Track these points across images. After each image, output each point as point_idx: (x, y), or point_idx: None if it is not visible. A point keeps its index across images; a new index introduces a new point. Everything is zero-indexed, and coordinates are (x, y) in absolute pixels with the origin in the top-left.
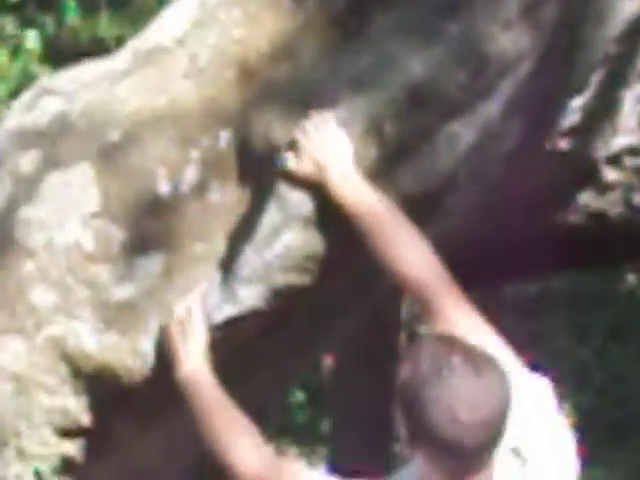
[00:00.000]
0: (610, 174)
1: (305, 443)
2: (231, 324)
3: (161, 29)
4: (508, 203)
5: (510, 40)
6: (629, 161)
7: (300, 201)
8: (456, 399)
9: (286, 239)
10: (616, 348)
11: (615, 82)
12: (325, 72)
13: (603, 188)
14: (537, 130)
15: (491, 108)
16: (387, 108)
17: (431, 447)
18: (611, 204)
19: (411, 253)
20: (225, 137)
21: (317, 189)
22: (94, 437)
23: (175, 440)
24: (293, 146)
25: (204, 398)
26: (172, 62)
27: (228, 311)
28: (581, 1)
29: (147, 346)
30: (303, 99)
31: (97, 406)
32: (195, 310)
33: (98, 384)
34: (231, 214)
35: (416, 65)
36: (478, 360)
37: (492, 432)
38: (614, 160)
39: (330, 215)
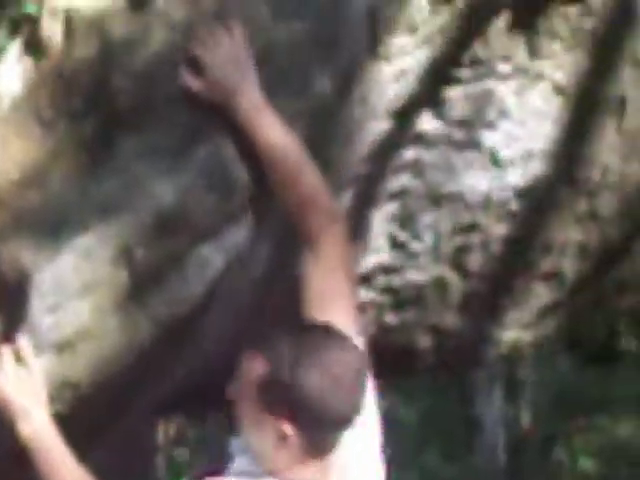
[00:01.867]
0: (361, 293)
1: None
2: None
3: None
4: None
5: None
6: (380, 280)
7: (52, 326)
8: (337, 365)
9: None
10: None
11: (364, 202)
12: (74, 198)
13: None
14: (286, 254)
15: (240, 233)
16: (136, 233)
17: (312, 424)
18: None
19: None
20: None
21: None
22: None
23: None
24: (194, 62)
25: (57, 463)
26: None
27: None
28: (327, 123)
29: None
30: (52, 226)
31: None
32: (24, 345)
33: None
34: None
35: (164, 189)
36: (338, 337)
37: (354, 403)
38: (365, 280)
39: (84, 340)
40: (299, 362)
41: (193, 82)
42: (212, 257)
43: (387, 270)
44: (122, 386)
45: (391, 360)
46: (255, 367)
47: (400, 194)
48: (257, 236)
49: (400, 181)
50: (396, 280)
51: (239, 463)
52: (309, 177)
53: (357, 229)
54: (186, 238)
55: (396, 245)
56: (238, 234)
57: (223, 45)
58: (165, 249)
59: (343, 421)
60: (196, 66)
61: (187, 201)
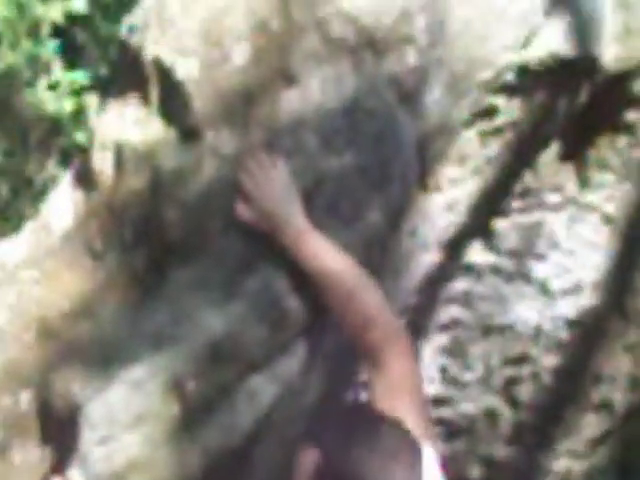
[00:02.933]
0: None
1: None
2: None
3: None
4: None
5: (308, 293)
6: (431, 411)
7: (103, 458)
8: None
9: None
10: None
11: (414, 333)
12: (125, 330)
13: None
14: (339, 382)
15: (291, 363)
16: (187, 364)
17: None
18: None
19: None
20: (25, 398)
21: None
22: None
23: None
24: (245, 196)
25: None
26: None
27: None
28: (379, 255)
29: None
30: (103, 357)
31: None
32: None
33: None
34: (34, 474)
35: (215, 320)
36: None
37: None
38: None
39: (135, 472)
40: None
41: (245, 214)
42: (262, 387)
43: (438, 401)
44: None
45: None
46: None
47: (450, 325)
48: (309, 366)
49: (450, 312)
50: (447, 411)
51: None
52: (368, 297)
53: None
54: (237, 369)
55: (447, 377)
56: (289, 364)
57: (271, 179)
58: (216, 380)
59: None
60: (247, 199)
61: (238, 332)
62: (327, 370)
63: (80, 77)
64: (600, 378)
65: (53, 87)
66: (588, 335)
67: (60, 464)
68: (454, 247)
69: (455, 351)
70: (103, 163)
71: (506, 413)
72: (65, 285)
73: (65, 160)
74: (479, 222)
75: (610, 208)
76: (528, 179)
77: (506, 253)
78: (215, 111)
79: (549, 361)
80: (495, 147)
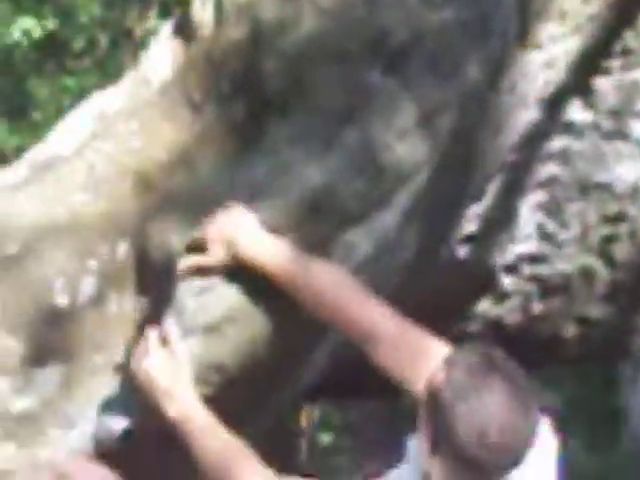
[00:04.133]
0: (507, 282)
1: None
2: (127, 437)
3: (60, 140)
4: (404, 313)
5: (406, 149)
6: (527, 269)
7: (199, 309)
8: (488, 418)
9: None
10: None
11: (512, 190)
12: (223, 182)
13: (501, 296)
14: (434, 239)
15: (388, 218)
16: (285, 216)
17: (452, 460)
18: (508, 312)
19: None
20: (123, 248)
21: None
22: None
23: None
24: (195, 245)
25: (206, 437)
26: (70, 173)
27: (124, 423)
28: (477, 111)
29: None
30: (200, 209)
31: None
32: (170, 328)
33: None
34: (129, 325)
35: (313, 173)
36: (516, 382)
37: (515, 456)
38: (512, 268)
39: (231, 323)
40: (457, 401)
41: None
42: (359, 241)
43: (534, 259)
44: (268, 370)
45: (537, 348)
46: (434, 379)
47: (548, 183)
48: (405, 221)
49: (548, 170)
50: (543, 269)
51: (402, 470)
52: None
53: (504, 218)
54: (333, 221)
55: (543, 234)
56: (386, 219)
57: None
58: (313, 232)
59: (492, 472)
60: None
61: (336, 185)
62: (423, 227)
63: None
64: None
65: None
66: None
67: (155, 315)
68: (553, 105)
69: (552, 209)
70: (203, 14)
71: (602, 272)
72: (163, 137)
73: (165, 11)
74: (578, 80)
75: None
76: (629, 38)
77: (605, 112)
78: None
79: None
80: (596, 5)
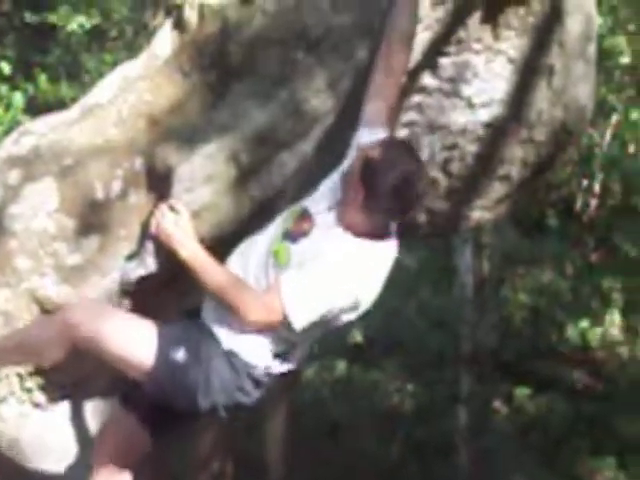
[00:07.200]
0: None
1: None
2: (140, 281)
3: (99, 93)
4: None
5: (319, 102)
6: None
7: (187, 202)
8: (405, 166)
9: None
10: None
11: None
12: (203, 121)
13: None
14: (335, 157)
15: (307, 145)
16: (242, 144)
17: (380, 203)
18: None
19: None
20: (139, 162)
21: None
22: None
23: None
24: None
25: (209, 270)
26: (105, 114)
27: (140, 272)
28: (364, 79)
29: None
30: (189, 138)
31: None
32: (176, 202)
33: None
34: (143, 210)
35: (260, 116)
36: (415, 155)
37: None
38: None
39: (207, 212)
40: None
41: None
42: (288, 160)
43: None
44: (230, 241)
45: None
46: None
47: (409, 124)
48: (318, 147)
49: (409, 117)
50: None
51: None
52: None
53: None
54: (272, 147)
55: None
56: (306, 146)
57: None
58: (259, 154)
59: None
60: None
61: (274, 123)
62: (328, 150)
63: None
64: (503, 160)
65: None
66: (496, 133)
67: (160, 202)
68: (413, 74)
69: (412, 141)
70: (191, 15)
71: (442, 180)
72: (166, 92)
73: (168, 13)
74: (429, 59)
75: (512, 53)
76: (460, 32)
77: (445, 79)
78: None
79: (472, 148)
80: (441, 11)
